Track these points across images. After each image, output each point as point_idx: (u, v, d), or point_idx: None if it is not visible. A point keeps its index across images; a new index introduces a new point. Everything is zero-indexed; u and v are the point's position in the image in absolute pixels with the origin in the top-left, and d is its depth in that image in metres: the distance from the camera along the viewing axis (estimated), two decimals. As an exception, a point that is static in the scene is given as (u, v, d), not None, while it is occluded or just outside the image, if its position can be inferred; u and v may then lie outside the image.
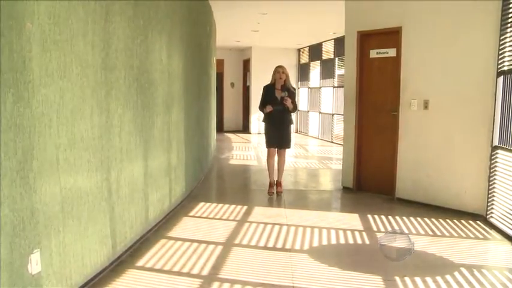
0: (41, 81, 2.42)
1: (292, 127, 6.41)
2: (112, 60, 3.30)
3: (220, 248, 3.98)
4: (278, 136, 6.05)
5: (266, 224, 4.70)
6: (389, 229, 4.60)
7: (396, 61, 5.73)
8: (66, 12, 2.66)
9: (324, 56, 13.30)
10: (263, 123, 6.27)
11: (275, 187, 6.23)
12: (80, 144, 2.86)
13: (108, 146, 3.26)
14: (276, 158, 6.21)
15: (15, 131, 2.22)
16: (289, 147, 6.22)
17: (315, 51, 13.87)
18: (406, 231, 4.53)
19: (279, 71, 5.98)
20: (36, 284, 2.42)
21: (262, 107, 6.07)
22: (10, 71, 2.17)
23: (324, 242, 4.23)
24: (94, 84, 3.03)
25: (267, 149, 6.20)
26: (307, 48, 14.49)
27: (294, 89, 6.16)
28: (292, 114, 6.14)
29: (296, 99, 6.24)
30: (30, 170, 2.34)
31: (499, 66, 4.63)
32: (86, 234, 2.98)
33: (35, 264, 2.39)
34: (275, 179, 6.26)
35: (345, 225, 4.73)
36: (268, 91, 6.05)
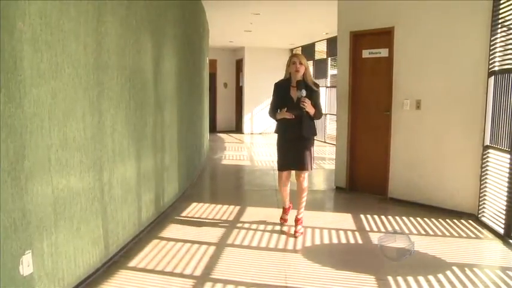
0: (32, 81, 2.40)
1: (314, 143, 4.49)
2: (104, 60, 3.29)
3: (213, 248, 3.97)
4: (294, 154, 4.33)
5: (259, 224, 4.70)
6: (382, 229, 4.61)
7: (389, 61, 5.75)
8: (58, 12, 2.64)
9: (317, 56, 13.33)
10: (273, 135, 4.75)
11: (288, 216, 4.74)
12: (72, 145, 2.85)
13: (100, 147, 3.25)
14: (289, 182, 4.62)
15: (6, 132, 2.20)
16: (307, 168, 4.38)
17: (308, 51, 13.88)
18: (399, 230, 4.54)
19: (295, 61, 4.23)
20: (28, 285, 2.41)
21: (273, 112, 4.38)
22: (1, 71, 2.15)
23: (317, 242, 4.24)
24: (86, 84, 3.01)
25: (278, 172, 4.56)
26: (300, 48, 14.50)
27: (318, 86, 4.34)
28: (315, 121, 4.37)
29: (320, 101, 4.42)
30: (21, 170, 2.33)
31: (490, 67, 4.66)
32: (78, 235, 2.97)
33: (26, 265, 2.38)
34: (290, 209, 4.77)
35: (338, 225, 4.74)
36: (281, 90, 4.33)
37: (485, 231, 4.52)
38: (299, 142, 4.29)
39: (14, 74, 2.25)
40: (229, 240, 4.20)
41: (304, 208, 4.50)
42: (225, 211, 5.22)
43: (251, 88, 14.47)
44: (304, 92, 4.11)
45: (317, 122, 4.28)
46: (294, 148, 4.31)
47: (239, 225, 4.68)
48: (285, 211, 4.76)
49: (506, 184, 4.22)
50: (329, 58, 12.36)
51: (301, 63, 4.21)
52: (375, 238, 4.31)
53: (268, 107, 4.55)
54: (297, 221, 4.47)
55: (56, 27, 2.62)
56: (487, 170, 4.72)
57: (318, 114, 4.26)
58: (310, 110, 4.16)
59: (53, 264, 2.67)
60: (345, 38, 6.28)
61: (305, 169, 4.36)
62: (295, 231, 4.37)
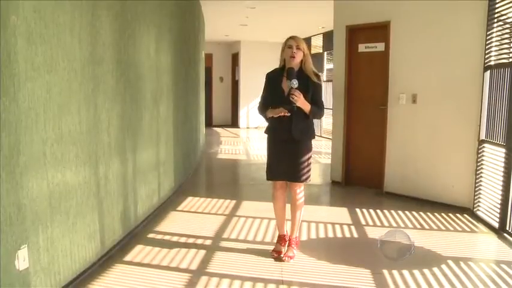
0: (26, 75, 2.38)
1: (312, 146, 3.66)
2: (99, 54, 3.26)
3: (209, 242, 3.98)
4: (284, 160, 3.52)
5: (255, 218, 4.71)
6: (378, 223, 4.63)
7: (385, 55, 5.75)
8: (52, 6, 2.62)
9: (313, 51, 13.28)
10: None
11: (284, 247, 3.65)
12: (68, 139, 2.83)
13: (96, 141, 3.23)
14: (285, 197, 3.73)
15: (1, 126, 2.18)
16: (300, 179, 3.52)
17: (304, 45, 13.85)
18: (394, 225, 4.56)
19: (291, 44, 3.39)
20: (23, 280, 2.40)
21: (263, 109, 3.56)
22: (-5, 65, 2.14)
23: (313, 236, 4.25)
24: (81, 78, 2.99)
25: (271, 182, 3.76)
26: (296, 42, 14.46)
27: (319, 78, 3.50)
28: (313, 120, 3.55)
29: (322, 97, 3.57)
30: (16, 165, 2.31)
31: (485, 61, 4.67)
32: (74, 229, 2.96)
33: (22, 260, 2.37)
34: (286, 231, 3.74)
35: (333, 219, 4.75)
36: (272, 81, 3.56)
37: (480, 225, 4.55)
38: (290, 146, 3.50)
39: (8, 68, 2.23)
40: (225, 234, 4.20)
41: (298, 227, 3.70)
42: (221, 205, 5.22)
43: (247, 82, 14.43)
44: (295, 83, 3.29)
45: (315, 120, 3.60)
46: (284, 153, 3.53)
47: (235, 219, 4.68)
48: (280, 240, 3.72)
49: (501, 178, 4.24)
50: (325, 52, 12.34)
51: (298, 48, 3.38)
52: (370, 232, 4.33)
53: (258, 102, 3.71)
54: (289, 241, 3.66)
55: (50, 20, 2.59)
56: (482, 164, 4.74)
57: (317, 112, 3.45)
58: (303, 105, 3.34)
59: (48, 259, 2.66)
60: (341, 32, 6.27)
61: (298, 180, 3.53)
62: (285, 254, 3.57)
